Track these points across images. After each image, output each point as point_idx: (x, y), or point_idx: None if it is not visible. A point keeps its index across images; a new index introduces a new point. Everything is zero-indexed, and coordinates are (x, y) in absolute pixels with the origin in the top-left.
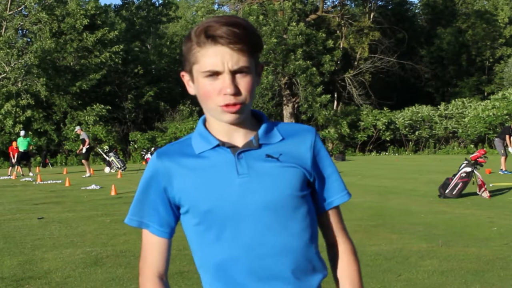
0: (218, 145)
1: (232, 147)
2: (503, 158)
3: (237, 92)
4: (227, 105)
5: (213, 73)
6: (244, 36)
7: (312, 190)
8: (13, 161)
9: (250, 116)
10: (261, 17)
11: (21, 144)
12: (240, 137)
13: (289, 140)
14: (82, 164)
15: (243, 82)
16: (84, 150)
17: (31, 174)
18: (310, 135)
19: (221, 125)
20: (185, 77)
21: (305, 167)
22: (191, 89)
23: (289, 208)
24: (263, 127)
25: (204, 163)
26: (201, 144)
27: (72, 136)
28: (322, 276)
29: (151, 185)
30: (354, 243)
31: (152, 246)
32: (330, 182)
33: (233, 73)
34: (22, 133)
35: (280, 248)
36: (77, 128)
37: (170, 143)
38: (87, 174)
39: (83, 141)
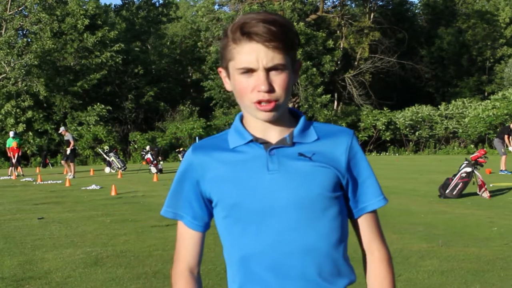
0: (251, 141)
1: (265, 143)
2: (503, 158)
3: (271, 89)
4: (260, 102)
5: (248, 70)
6: (280, 34)
7: (345, 193)
8: (13, 161)
9: (287, 113)
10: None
11: (9, 143)
12: (275, 134)
13: (325, 140)
14: (83, 164)
15: (278, 79)
16: (68, 151)
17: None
18: (347, 137)
19: (257, 121)
20: (222, 73)
21: (339, 169)
22: (227, 85)
23: (318, 208)
24: (299, 125)
25: (237, 157)
26: (236, 139)
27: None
28: (348, 282)
29: (185, 178)
30: (389, 251)
31: (186, 238)
32: (366, 187)
33: (268, 70)
34: (11, 133)
35: (305, 247)
36: (62, 129)
37: (207, 137)
38: (70, 175)
39: (68, 142)
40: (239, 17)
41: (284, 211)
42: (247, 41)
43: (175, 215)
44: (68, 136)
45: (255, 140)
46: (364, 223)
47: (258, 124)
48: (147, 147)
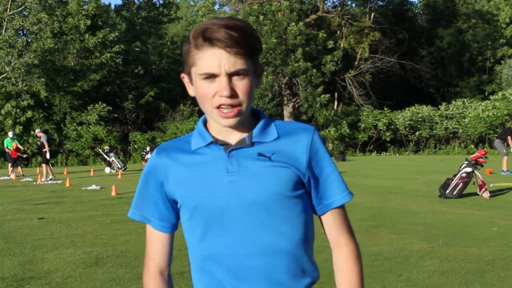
0: (211, 142)
1: (225, 144)
2: (504, 159)
3: (233, 95)
4: (221, 107)
5: (210, 75)
6: (242, 39)
7: (309, 191)
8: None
9: (249, 116)
10: (261, 17)
11: (8, 144)
12: (235, 136)
13: (285, 139)
14: (83, 164)
15: (241, 84)
16: (47, 154)
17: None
18: (308, 135)
19: (219, 125)
20: (185, 78)
21: (298, 168)
22: (190, 91)
23: (278, 208)
24: (258, 125)
25: (197, 159)
26: (198, 141)
27: (73, 136)
28: (312, 280)
29: (149, 180)
30: (358, 246)
31: (154, 240)
32: (329, 183)
33: (230, 75)
34: (10, 134)
35: (267, 247)
36: (37, 130)
37: (173, 139)
38: (50, 177)
39: (42, 145)
40: (201, 23)
41: (244, 212)
42: (209, 46)
43: (143, 218)
44: (43, 138)
45: (215, 142)
46: (330, 219)
47: (220, 127)
48: (147, 148)
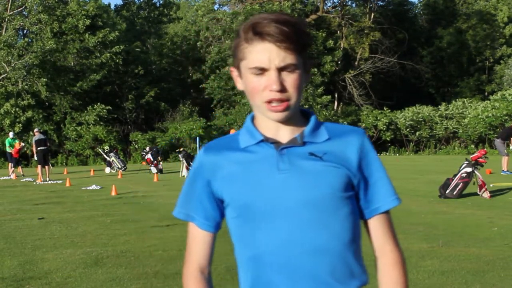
0: (262, 140)
1: (275, 142)
2: (504, 159)
3: (283, 89)
4: (271, 102)
5: (259, 69)
6: (292, 34)
7: (357, 193)
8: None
9: (298, 113)
10: None
11: (9, 144)
12: (286, 134)
13: (336, 140)
14: (83, 164)
15: (290, 79)
16: (35, 156)
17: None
18: (358, 137)
19: (268, 121)
20: (234, 72)
21: (350, 169)
22: (239, 85)
23: (329, 208)
24: (310, 125)
25: (247, 157)
26: (247, 138)
27: (73, 136)
28: (360, 283)
29: (197, 178)
30: (403, 253)
31: (196, 239)
32: (378, 187)
33: (280, 70)
34: (11, 134)
35: (316, 247)
36: (35, 130)
37: (219, 137)
38: (37, 180)
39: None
40: (251, 17)
41: (294, 211)
42: (259, 41)
43: (187, 216)
44: (36, 137)
45: (266, 140)
46: (377, 224)
47: (269, 124)
48: (147, 148)
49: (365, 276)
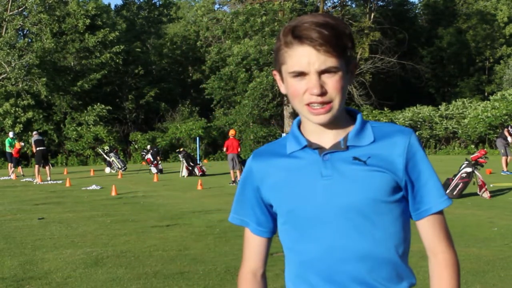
0: (306, 146)
1: (319, 148)
2: (504, 159)
3: (323, 92)
4: (311, 105)
5: (299, 73)
6: (332, 38)
7: (406, 195)
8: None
9: (344, 114)
10: (264, 17)
11: (9, 144)
12: (329, 138)
13: (381, 142)
14: (83, 164)
15: (331, 81)
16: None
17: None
18: (405, 138)
19: (312, 125)
20: (276, 76)
21: (395, 172)
22: (282, 88)
23: (373, 213)
24: (354, 128)
25: (292, 163)
26: (292, 144)
27: (73, 136)
28: (408, 285)
29: (246, 184)
30: (456, 254)
31: (250, 243)
32: (428, 188)
33: (320, 73)
34: (11, 134)
35: (360, 253)
36: (34, 132)
37: (268, 143)
38: (35, 180)
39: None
40: (291, 20)
41: (338, 217)
42: (299, 44)
43: (242, 222)
44: (34, 138)
45: (309, 146)
46: (428, 225)
47: (313, 127)
48: (148, 146)
49: (413, 278)
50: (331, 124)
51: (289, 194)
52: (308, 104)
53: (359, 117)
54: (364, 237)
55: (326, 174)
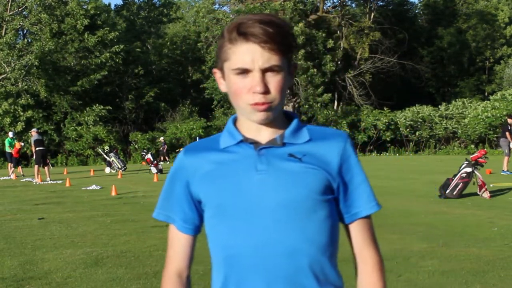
0: (242, 141)
1: (255, 143)
2: (506, 158)
3: (266, 91)
4: (256, 104)
5: (243, 70)
6: (277, 36)
7: (337, 197)
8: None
9: (282, 115)
10: None
11: (9, 144)
12: (266, 135)
13: (317, 142)
14: (83, 164)
15: (274, 81)
16: (34, 156)
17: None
18: (341, 141)
19: (250, 123)
20: (217, 74)
21: (330, 172)
22: (222, 86)
23: (305, 210)
24: (291, 126)
25: (226, 157)
26: (227, 139)
27: (73, 136)
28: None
29: (176, 179)
30: (382, 259)
31: (175, 241)
32: (358, 192)
33: (264, 71)
34: (11, 134)
35: (291, 249)
36: (33, 130)
37: (200, 139)
38: (34, 180)
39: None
40: (236, 17)
41: (270, 211)
42: (244, 41)
43: (167, 218)
44: (34, 137)
45: (245, 140)
46: (357, 229)
47: (250, 125)
48: (161, 138)
49: (340, 282)
50: (269, 123)
51: (220, 187)
52: (250, 104)
53: (296, 118)
54: (295, 233)
55: (261, 168)
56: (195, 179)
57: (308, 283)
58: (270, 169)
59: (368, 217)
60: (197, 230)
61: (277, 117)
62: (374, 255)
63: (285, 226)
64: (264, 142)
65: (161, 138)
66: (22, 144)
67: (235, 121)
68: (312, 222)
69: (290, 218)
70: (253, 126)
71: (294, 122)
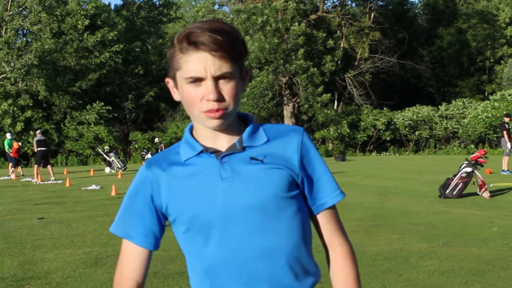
0: (202, 151)
1: (216, 152)
2: (506, 158)
3: (220, 98)
4: (210, 111)
5: (195, 79)
6: (227, 43)
7: (302, 191)
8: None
9: (236, 120)
10: (264, 17)
11: (7, 145)
12: (224, 142)
13: (275, 141)
14: (83, 164)
15: (227, 88)
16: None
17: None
18: (297, 136)
19: (206, 130)
20: (170, 83)
21: (292, 168)
22: (175, 96)
23: (275, 210)
24: (247, 130)
25: (189, 170)
26: (187, 151)
27: (73, 136)
28: (314, 280)
29: (138, 194)
30: (351, 245)
31: (133, 256)
32: (321, 183)
33: (216, 79)
34: (9, 135)
35: (266, 250)
36: (38, 132)
37: (160, 152)
38: (34, 180)
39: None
40: (186, 27)
41: (241, 217)
42: (194, 50)
43: (125, 234)
44: (36, 138)
45: (205, 150)
46: (324, 219)
47: (207, 133)
48: (156, 139)
49: (318, 272)
50: (225, 129)
51: (189, 201)
52: (204, 111)
53: (250, 119)
54: (268, 234)
55: (226, 176)
56: (160, 194)
57: (289, 281)
58: (235, 175)
59: (333, 207)
60: (156, 245)
61: (232, 122)
62: (343, 242)
63: (258, 229)
64: (224, 150)
65: (156, 139)
66: (20, 144)
67: (191, 130)
68: (284, 220)
69: (261, 220)
70: (210, 133)
71: (250, 126)
